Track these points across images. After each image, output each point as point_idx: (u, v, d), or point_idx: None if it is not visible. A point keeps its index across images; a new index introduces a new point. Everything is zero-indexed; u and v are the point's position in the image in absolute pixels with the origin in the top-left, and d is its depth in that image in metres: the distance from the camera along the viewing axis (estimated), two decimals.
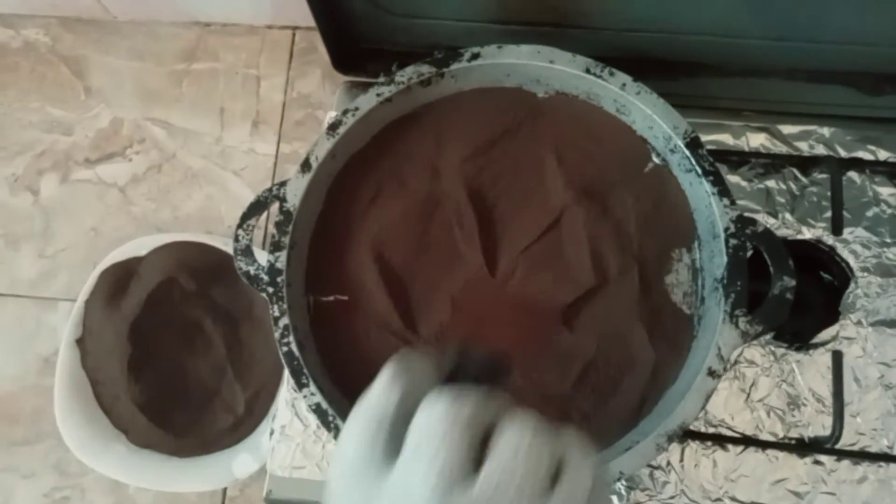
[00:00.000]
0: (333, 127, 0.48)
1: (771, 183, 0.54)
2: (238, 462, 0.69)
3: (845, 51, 0.53)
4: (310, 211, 0.49)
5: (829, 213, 0.53)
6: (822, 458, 0.49)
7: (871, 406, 0.49)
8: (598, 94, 0.49)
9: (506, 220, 0.49)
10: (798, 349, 0.51)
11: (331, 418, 0.43)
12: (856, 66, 0.55)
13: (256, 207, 0.48)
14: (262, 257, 0.47)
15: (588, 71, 0.47)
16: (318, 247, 0.49)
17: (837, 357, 0.50)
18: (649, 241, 0.47)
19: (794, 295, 0.42)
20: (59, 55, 0.84)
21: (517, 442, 0.25)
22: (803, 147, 0.55)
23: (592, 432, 0.44)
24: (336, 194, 0.50)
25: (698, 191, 0.45)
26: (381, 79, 0.49)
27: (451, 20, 0.56)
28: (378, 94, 0.48)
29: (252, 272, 0.47)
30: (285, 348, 0.45)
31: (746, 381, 0.51)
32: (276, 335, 0.45)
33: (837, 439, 0.48)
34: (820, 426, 0.50)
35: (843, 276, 0.52)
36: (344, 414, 0.44)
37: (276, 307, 0.46)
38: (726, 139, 0.56)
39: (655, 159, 0.48)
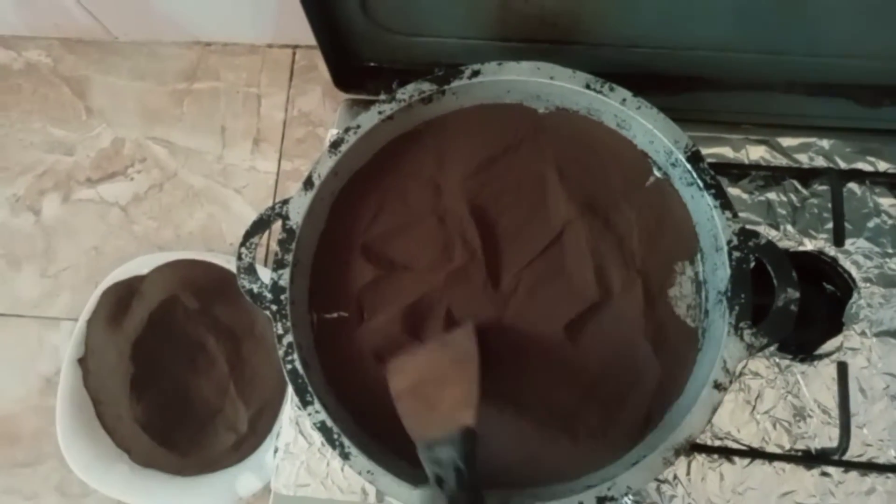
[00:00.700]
0: (335, 145, 0.48)
1: (772, 195, 0.54)
2: (242, 481, 0.69)
3: (843, 64, 0.54)
4: (313, 228, 0.49)
5: (830, 225, 0.53)
6: (830, 469, 0.49)
7: (878, 417, 0.49)
8: (598, 109, 0.49)
9: (508, 236, 0.49)
10: (802, 360, 0.51)
11: (335, 436, 0.43)
12: (854, 79, 0.55)
13: (259, 225, 0.48)
14: (265, 275, 0.47)
15: (588, 87, 0.48)
16: (322, 264, 0.49)
17: (842, 368, 0.50)
18: (652, 255, 0.47)
19: (798, 306, 0.42)
20: (61, 76, 0.84)
21: None
22: (803, 159, 0.55)
23: (599, 447, 0.44)
24: (339, 212, 0.50)
25: (700, 204, 0.45)
26: (383, 96, 0.49)
27: (451, 38, 0.57)
28: (380, 112, 0.49)
29: (255, 290, 0.47)
30: (289, 366, 0.45)
31: (752, 392, 0.51)
32: (280, 353, 0.45)
33: (844, 451, 0.48)
34: (826, 437, 0.49)
35: (846, 287, 0.52)
36: (348, 431, 0.44)
37: (279, 325, 0.46)
38: (726, 152, 0.56)
39: (657, 173, 0.48)
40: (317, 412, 0.44)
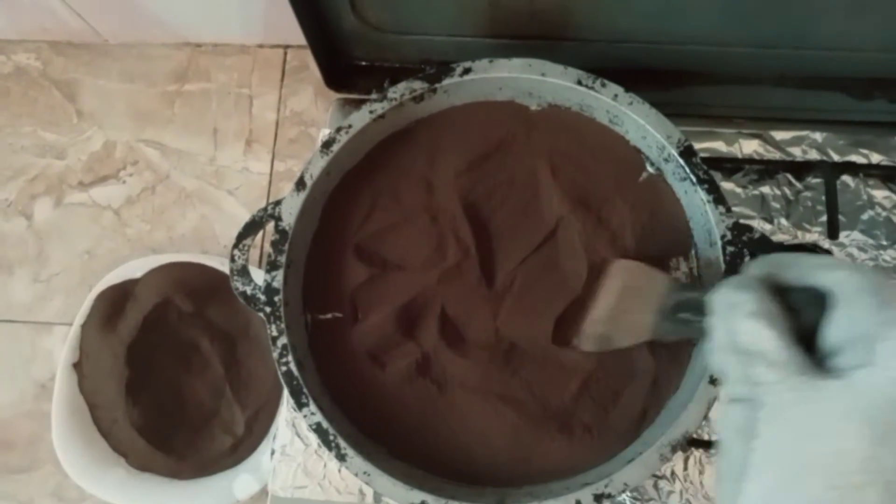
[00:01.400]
0: (327, 144, 0.48)
1: (765, 189, 0.54)
2: (239, 483, 0.69)
3: (834, 57, 0.54)
4: (306, 229, 0.49)
5: (824, 218, 0.53)
6: None
7: None
8: (590, 105, 0.49)
9: (502, 233, 0.49)
10: None
11: (332, 437, 0.43)
12: (845, 71, 0.55)
13: (252, 227, 0.48)
14: (259, 276, 0.46)
15: (580, 83, 0.47)
16: (315, 264, 0.49)
17: None
18: (646, 251, 0.47)
19: None
20: (51, 79, 0.84)
21: None
22: (796, 152, 0.55)
23: (594, 444, 0.44)
24: (331, 211, 0.50)
25: (694, 199, 0.45)
26: (374, 95, 0.49)
27: (441, 35, 0.57)
28: (371, 111, 0.48)
29: (249, 292, 0.47)
30: (284, 368, 0.45)
31: None
32: (275, 355, 0.45)
33: None
34: None
35: None
36: (344, 432, 0.43)
37: (273, 327, 0.45)
38: (719, 146, 0.56)
39: (650, 169, 0.48)
40: (312, 414, 0.43)
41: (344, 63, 0.61)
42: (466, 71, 0.49)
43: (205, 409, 0.70)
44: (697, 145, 0.55)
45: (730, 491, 0.26)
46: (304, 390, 0.44)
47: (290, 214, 0.47)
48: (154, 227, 0.78)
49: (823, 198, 0.53)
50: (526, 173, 0.49)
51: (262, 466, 0.68)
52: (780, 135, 0.56)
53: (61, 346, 0.71)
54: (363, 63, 0.61)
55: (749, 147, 0.56)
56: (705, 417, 0.41)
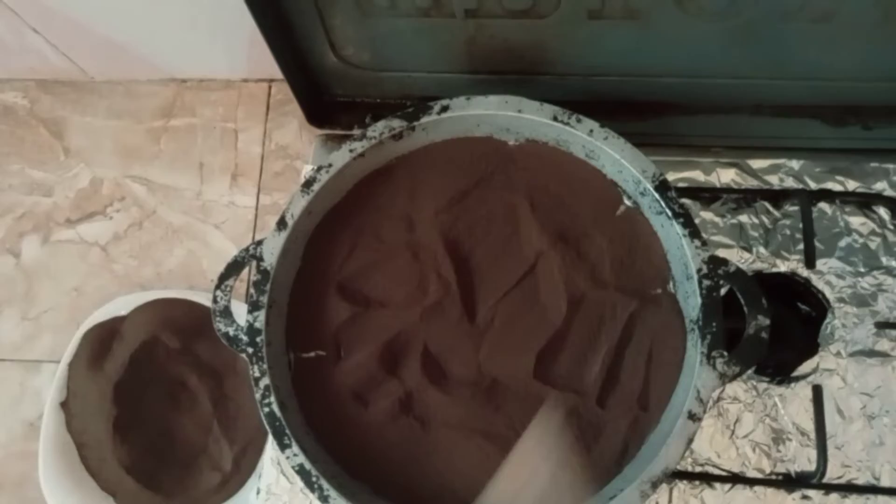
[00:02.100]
0: (308, 184, 0.48)
1: (744, 217, 0.55)
2: None
3: (808, 86, 0.54)
4: (288, 268, 0.49)
5: (802, 246, 0.53)
6: (810, 492, 0.49)
7: (855, 437, 0.49)
8: (566, 140, 0.49)
9: (483, 269, 0.49)
10: (780, 383, 0.51)
11: (314, 478, 0.43)
12: (819, 99, 0.56)
13: (234, 268, 0.48)
14: (244, 311, 0.46)
15: (556, 119, 0.48)
16: (297, 303, 0.49)
17: (817, 391, 0.50)
18: (624, 284, 0.47)
19: (773, 328, 0.42)
20: (38, 117, 0.84)
21: None
22: (773, 180, 0.56)
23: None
24: (313, 250, 0.50)
25: (670, 232, 0.46)
26: (355, 132, 0.50)
27: (421, 72, 0.57)
28: (351, 150, 0.49)
29: (231, 333, 0.47)
30: (266, 409, 0.45)
31: (730, 417, 0.51)
32: (257, 396, 0.45)
33: (823, 473, 0.48)
34: (805, 460, 0.50)
35: (820, 307, 0.53)
36: (328, 472, 0.43)
37: (255, 367, 0.46)
38: (697, 175, 0.57)
39: (627, 202, 0.49)
40: (295, 455, 0.43)
41: (325, 99, 0.62)
42: (444, 109, 0.49)
43: (193, 446, 0.70)
44: (675, 175, 0.56)
45: None
46: (287, 431, 0.44)
47: (271, 254, 0.47)
48: (141, 263, 0.78)
49: (801, 225, 0.54)
50: (505, 209, 0.50)
51: (249, 502, 0.68)
52: (757, 163, 0.56)
53: (50, 385, 0.71)
54: (344, 99, 0.62)
55: (727, 176, 0.56)
56: (685, 452, 0.41)
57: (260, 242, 0.48)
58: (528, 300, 0.48)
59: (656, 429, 0.44)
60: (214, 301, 0.48)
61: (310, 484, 0.43)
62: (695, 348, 0.43)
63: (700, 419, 0.40)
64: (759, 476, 0.50)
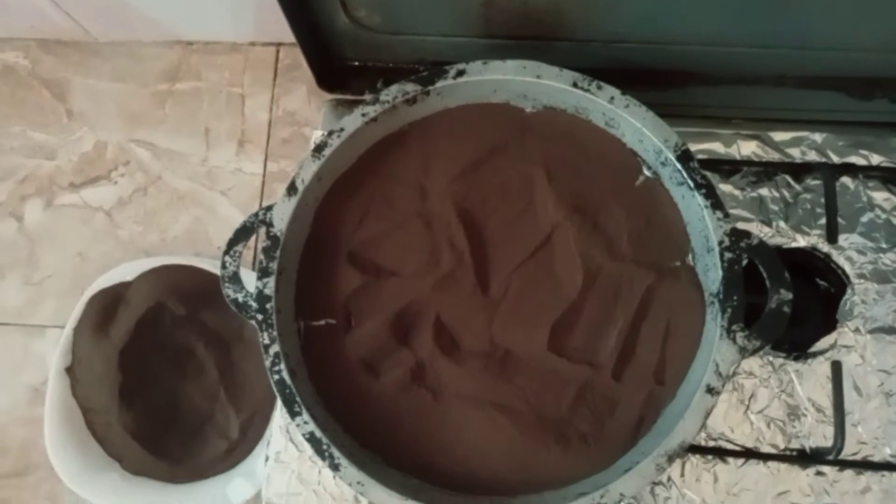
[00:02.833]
0: (319, 149, 0.47)
1: (764, 191, 0.54)
2: (233, 487, 0.68)
3: (834, 57, 0.53)
4: (297, 234, 0.48)
5: (823, 220, 0.52)
6: (825, 469, 0.48)
7: (872, 415, 0.49)
8: (586, 107, 0.48)
9: (497, 239, 0.48)
10: (796, 359, 0.51)
11: (324, 447, 0.42)
12: (845, 71, 0.54)
13: (243, 233, 0.47)
14: (252, 279, 0.46)
15: (576, 85, 0.47)
16: (307, 271, 0.48)
17: (836, 367, 0.49)
18: (642, 257, 0.46)
19: (792, 306, 0.41)
20: (40, 78, 0.83)
21: None
22: (795, 154, 0.55)
23: (591, 454, 0.43)
24: (323, 217, 0.49)
25: (691, 204, 0.45)
26: (367, 97, 0.48)
27: (435, 36, 0.56)
28: (363, 114, 0.48)
29: (240, 300, 0.46)
30: (276, 376, 0.44)
31: (745, 392, 0.50)
32: (267, 363, 0.44)
33: (840, 450, 0.48)
34: (821, 436, 0.49)
35: (840, 283, 0.52)
36: (338, 441, 0.43)
37: (265, 334, 0.45)
38: (717, 148, 0.55)
39: (647, 172, 0.48)
40: (305, 423, 0.43)
41: (336, 63, 0.60)
42: (460, 73, 0.48)
43: (199, 414, 0.70)
44: (695, 146, 0.55)
45: None
46: (297, 399, 0.43)
47: (281, 220, 0.46)
48: (146, 229, 0.77)
49: (822, 200, 0.53)
50: (521, 179, 0.49)
51: (256, 471, 0.68)
52: (778, 136, 0.55)
53: (54, 350, 0.71)
54: (356, 63, 0.60)
55: (747, 148, 0.55)
56: (702, 427, 0.40)
57: (269, 208, 0.47)
58: (542, 272, 0.47)
59: (672, 403, 0.43)
60: (223, 266, 0.47)
61: (320, 452, 0.42)
62: (713, 322, 0.42)
63: (719, 393, 0.40)
64: (773, 451, 0.49)
